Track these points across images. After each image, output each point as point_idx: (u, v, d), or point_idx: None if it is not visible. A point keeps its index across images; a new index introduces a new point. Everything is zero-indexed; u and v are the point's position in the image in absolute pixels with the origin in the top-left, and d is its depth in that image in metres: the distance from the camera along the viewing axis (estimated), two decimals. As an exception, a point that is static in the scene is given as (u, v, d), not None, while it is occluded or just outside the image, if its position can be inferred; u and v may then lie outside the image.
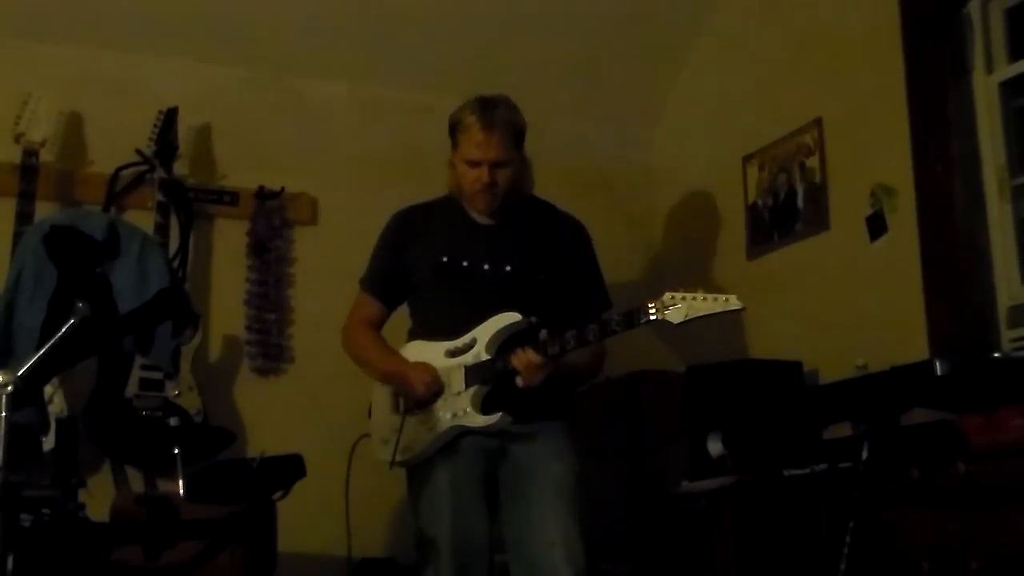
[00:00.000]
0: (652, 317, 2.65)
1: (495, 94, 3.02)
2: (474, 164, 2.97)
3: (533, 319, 2.89)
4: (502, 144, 2.96)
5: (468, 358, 2.90)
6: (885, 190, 3.55)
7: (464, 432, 2.90)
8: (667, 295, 2.64)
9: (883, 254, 3.55)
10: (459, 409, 2.88)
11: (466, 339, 2.92)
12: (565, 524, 2.83)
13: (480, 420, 2.86)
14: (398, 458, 2.94)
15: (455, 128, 3.01)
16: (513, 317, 2.89)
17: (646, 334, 3.90)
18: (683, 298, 2.62)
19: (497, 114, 2.96)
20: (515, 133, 3.00)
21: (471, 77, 3.70)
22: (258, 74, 4.21)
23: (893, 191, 3.52)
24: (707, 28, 4.45)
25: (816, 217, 3.85)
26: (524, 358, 2.77)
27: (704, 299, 2.62)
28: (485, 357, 2.88)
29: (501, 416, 2.85)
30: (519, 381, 2.80)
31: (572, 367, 2.91)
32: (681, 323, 2.62)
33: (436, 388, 2.91)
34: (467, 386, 2.88)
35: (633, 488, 3.79)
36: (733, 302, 2.62)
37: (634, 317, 2.69)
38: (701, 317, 2.62)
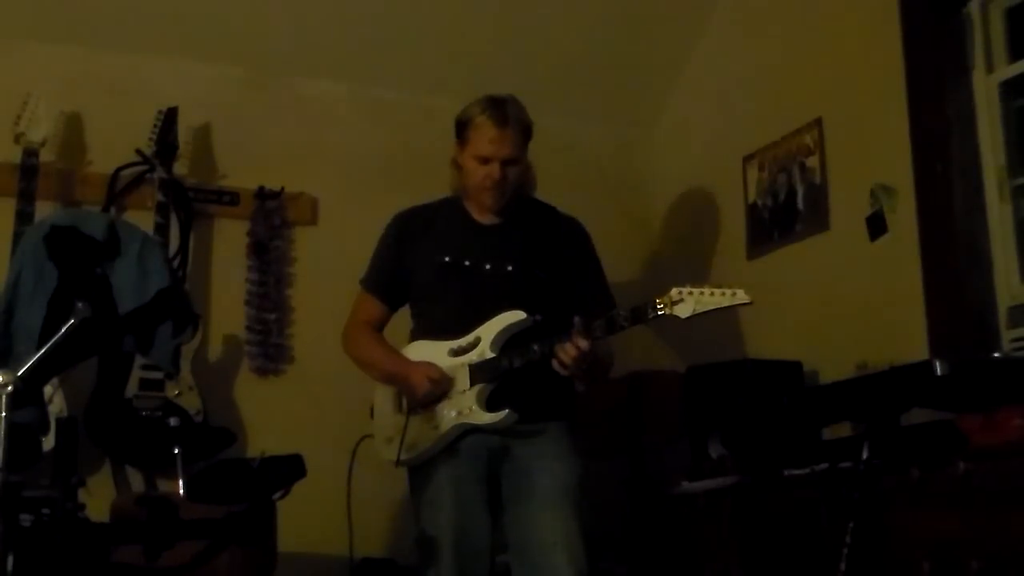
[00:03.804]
0: (660, 312, 2.64)
1: (502, 94, 3.02)
2: (485, 160, 2.96)
3: (537, 317, 2.89)
4: (514, 141, 2.96)
5: (472, 357, 2.90)
6: (885, 190, 3.54)
7: (467, 431, 2.89)
8: (674, 290, 2.64)
9: (883, 254, 3.54)
10: (464, 407, 2.88)
11: (469, 338, 2.91)
12: (567, 525, 2.83)
13: (486, 417, 2.86)
14: (403, 457, 2.93)
15: (465, 125, 3.00)
16: (517, 315, 2.89)
17: (646, 334, 3.91)
18: (690, 293, 2.62)
19: (509, 111, 2.96)
20: (524, 131, 3.01)
21: (471, 77, 3.71)
22: (258, 74, 4.21)
23: (893, 191, 3.52)
24: (707, 28, 4.45)
25: (816, 217, 3.85)
26: (571, 348, 2.73)
27: (712, 293, 2.62)
28: (490, 355, 2.88)
29: (507, 413, 2.85)
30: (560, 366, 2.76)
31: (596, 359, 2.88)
32: (689, 317, 2.62)
33: (443, 386, 2.90)
34: (472, 384, 2.88)
35: (633, 488, 3.79)
36: (741, 296, 2.61)
37: (642, 312, 2.69)
38: (709, 311, 2.62)
